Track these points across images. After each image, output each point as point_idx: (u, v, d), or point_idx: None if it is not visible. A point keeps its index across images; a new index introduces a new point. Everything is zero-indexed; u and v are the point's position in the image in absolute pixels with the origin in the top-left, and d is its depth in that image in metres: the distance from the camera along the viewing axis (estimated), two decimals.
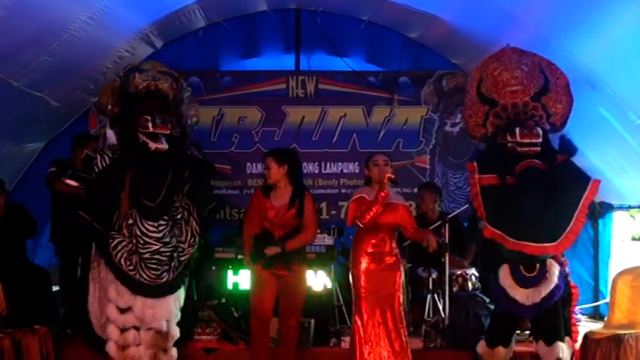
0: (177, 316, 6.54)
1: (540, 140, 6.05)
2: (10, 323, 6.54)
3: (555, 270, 6.04)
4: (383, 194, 6.28)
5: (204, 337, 7.28)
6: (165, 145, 6.34)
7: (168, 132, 6.35)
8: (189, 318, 7.05)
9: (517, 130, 6.03)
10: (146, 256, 6.34)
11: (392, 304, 6.36)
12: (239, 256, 7.47)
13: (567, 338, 6.19)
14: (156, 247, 6.35)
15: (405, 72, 9.50)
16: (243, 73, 9.61)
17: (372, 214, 6.27)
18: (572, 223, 5.97)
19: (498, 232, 6.03)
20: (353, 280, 6.47)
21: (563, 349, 6.06)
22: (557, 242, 5.98)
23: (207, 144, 8.62)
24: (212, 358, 6.99)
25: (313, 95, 9.51)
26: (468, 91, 6.48)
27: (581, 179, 6.08)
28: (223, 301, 7.70)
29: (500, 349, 6.19)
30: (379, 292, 6.34)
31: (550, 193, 5.97)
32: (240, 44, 9.59)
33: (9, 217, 7.33)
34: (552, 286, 6.01)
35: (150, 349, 6.40)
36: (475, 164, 6.21)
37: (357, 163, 9.36)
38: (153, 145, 6.31)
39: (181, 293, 6.56)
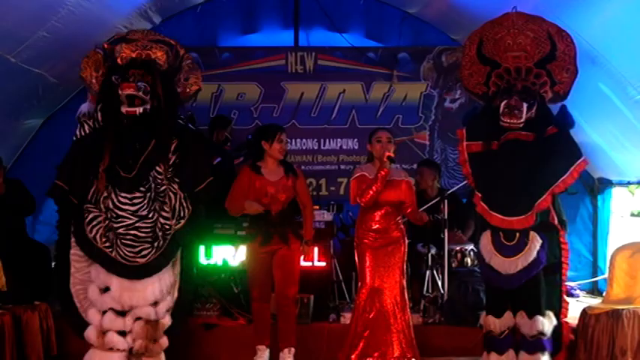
0: (167, 301, 6.19)
1: (521, 122, 5.93)
2: (10, 299, 6.57)
3: (537, 243, 5.93)
4: (383, 173, 6.26)
5: (204, 312, 7.28)
6: (136, 109, 5.96)
7: (132, 91, 5.92)
8: (189, 294, 6.69)
9: (502, 105, 5.94)
10: (120, 231, 6.03)
11: (395, 280, 6.35)
12: (238, 232, 7.46)
13: (549, 312, 6.06)
14: (130, 222, 6.04)
15: (404, 48, 9.48)
16: (242, 49, 9.59)
17: (371, 193, 6.25)
18: (542, 197, 5.88)
19: (482, 203, 6.02)
20: (358, 257, 6.47)
21: (544, 323, 5.97)
22: (523, 216, 5.90)
23: (206, 120, 8.62)
24: (212, 334, 6.99)
25: (312, 71, 9.49)
26: (466, 52, 6.37)
27: (568, 155, 5.96)
28: (222, 276, 7.70)
29: (491, 319, 6.04)
30: (384, 268, 6.34)
31: (533, 165, 5.91)
32: (238, 20, 9.57)
33: (7, 194, 7.32)
34: (531, 259, 5.90)
35: (140, 339, 6.08)
36: (464, 131, 6.19)
37: (356, 140, 9.37)
38: (124, 109, 5.97)
39: (166, 275, 6.18)
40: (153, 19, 8.89)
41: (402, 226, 6.51)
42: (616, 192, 8.88)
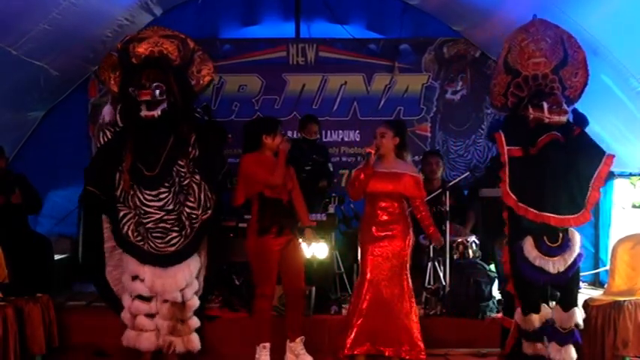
0: (194, 284, 6.55)
1: (565, 119, 6.16)
2: (12, 291, 6.58)
3: (578, 239, 6.23)
4: (364, 172, 6.25)
5: (205, 304, 7.28)
6: (154, 112, 6.21)
7: (149, 98, 6.20)
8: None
9: (545, 105, 6.10)
10: (150, 225, 6.35)
11: (398, 272, 6.32)
12: (240, 225, 7.45)
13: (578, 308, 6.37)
14: (158, 216, 6.34)
15: (405, 39, 9.47)
16: (243, 41, 9.58)
17: (355, 185, 6.32)
18: (588, 195, 6.15)
19: (522, 204, 6.15)
20: (361, 248, 6.47)
21: (579, 314, 6.23)
22: (578, 214, 6.15)
23: None
24: (213, 326, 6.99)
25: (313, 63, 9.49)
26: (497, 61, 6.58)
27: (597, 152, 6.23)
28: (224, 268, 7.70)
29: (533, 316, 6.25)
30: (385, 260, 6.31)
31: (570, 165, 6.11)
32: (239, 12, 9.55)
33: (12, 188, 7.35)
34: (575, 254, 6.17)
35: (167, 320, 6.43)
36: (502, 135, 6.26)
37: (357, 131, 9.38)
38: (143, 113, 6.23)
39: (194, 262, 6.52)
40: (154, 11, 8.88)
41: (408, 220, 6.47)
42: (618, 183, 8.85)
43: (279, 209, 6.36)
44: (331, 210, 7.93)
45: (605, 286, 7.10)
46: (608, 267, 7.40)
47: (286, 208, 6.43)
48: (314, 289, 7.26)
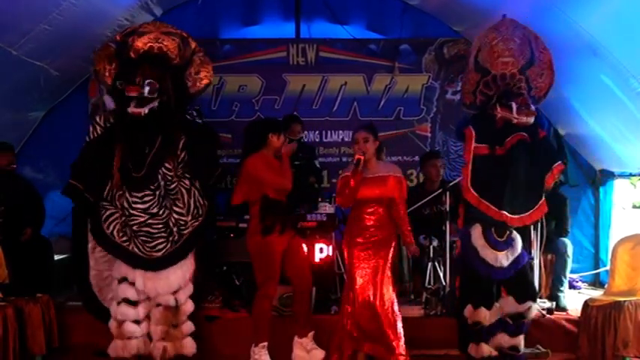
0: (189, 288, 6.44)
1: (534, 117, 6.25)
2: (12, 291, 6.58)
3: (519, 239, 6.28)
4: (354, 179, 6.25)
5: (206, 305, 7.29)
6: (141, 110, 6.05)
7: (136, 94, 6.04)
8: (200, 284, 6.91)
9: (514, 105, 6.17)
10: (134, 228, 6.23)
11: (382, 276, 6.31)
12: (240, 225, 7.45)
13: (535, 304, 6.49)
14: (142, 219, 6.22)
15: (405, 39, 9.46)
16: (244, 41, 9.57)
17: (345, 193, 6.32)
18: (542, 199, 6.28)
19: (484, 201, 6.23)
20: (347, 253, 6.46)
21: (533, 309, 6.34)
22: (528, 214, 6.27)
23: (207, 112, 8.62)
24: (213, 326, 7.00)
25: (314, 63, 9.48)
26: (468, 59, 6.61)
27: (553, 159, 6.37)
28: (225, 268, 7.70)
29: (484, 311, 6.26)
30: (370, 264, 6.32)
31: (532, 167, 6.22)
32: (240, 12, 9.55)
33: (15, 193, 7.38)
34: (517, 253, 6.24)
35: (159, 325, 6.33)
36: (473, 131, 6.32)
37: None
38: (130, 109, 6.07)
39: (186, 264, 6.40)
40: (154, 11, 8.87)
41: (390, 225, 6.45)
42: (618, 184, 8.86)
43: (280, 209, 6.37)
44: (331, 210, 7.92)
45: (606, 286, 7.11)
46: (608, 267, 7.41)
47: (286, 207, 6.46)
48: (314, 289, 7.26)
